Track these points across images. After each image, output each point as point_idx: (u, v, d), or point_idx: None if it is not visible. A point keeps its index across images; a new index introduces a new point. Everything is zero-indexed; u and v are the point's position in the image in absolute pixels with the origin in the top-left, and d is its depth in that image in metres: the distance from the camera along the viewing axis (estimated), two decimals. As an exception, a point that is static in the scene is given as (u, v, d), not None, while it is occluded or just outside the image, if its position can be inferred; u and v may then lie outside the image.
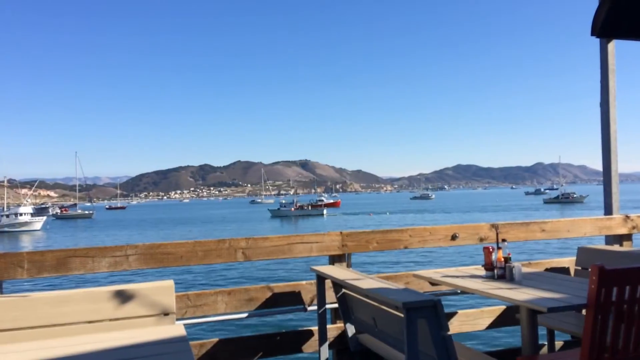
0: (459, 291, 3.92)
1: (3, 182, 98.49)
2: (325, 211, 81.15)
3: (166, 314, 3.05)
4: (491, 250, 3.59)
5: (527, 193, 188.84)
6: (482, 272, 3.65)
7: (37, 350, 2.33)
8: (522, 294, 2.97)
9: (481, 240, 4.15)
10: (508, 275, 3.45)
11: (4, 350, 2.38)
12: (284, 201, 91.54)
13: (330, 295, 3.68)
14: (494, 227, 4.12)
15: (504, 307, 4.20)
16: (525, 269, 3.77)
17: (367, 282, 3.04)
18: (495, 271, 3.50)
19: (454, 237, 4.08)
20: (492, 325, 4.18)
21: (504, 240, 3.59)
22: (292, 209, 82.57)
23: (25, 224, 67.69)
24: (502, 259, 3.50)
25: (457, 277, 3.59)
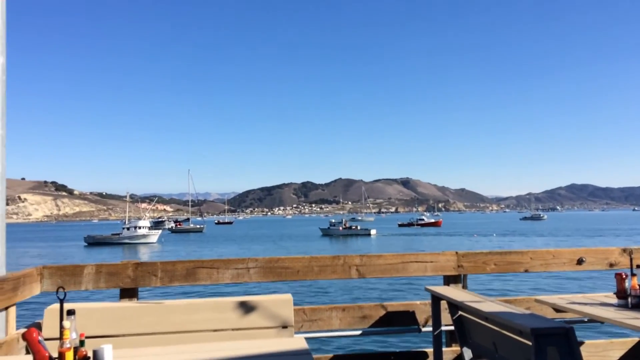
0: (586, 319, 3.67)
1: (126, 197, 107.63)
2: (373, 231, 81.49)
3: (285, 327, 3.15)
4: (624, 276, 3.33)
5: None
6: (614, 299, 3.39)
7: (172, 355, 2.51)
8: None
9: (611, 265, 3.86)
10: (645, 305, 3.17)
11: (143, 353, 2.59)
12: (333, 220, 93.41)
13: (445, 316, 3.60)
14: (627, 251, 3.82)
15: (637, 339, 3.86)
16: (664, 299, 3.45)
17: (488, 305, 2.94)
18: (630, 299, 3.24)
19: (580, 262, 3.83)
20: (623, 358, 3.85)
21: (638, 266, 3.32)
22: (341, 228, 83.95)
23: (143, 236, 73.06)
24: (638, 287, 3.24)
25: (585, 304, 3.36)
